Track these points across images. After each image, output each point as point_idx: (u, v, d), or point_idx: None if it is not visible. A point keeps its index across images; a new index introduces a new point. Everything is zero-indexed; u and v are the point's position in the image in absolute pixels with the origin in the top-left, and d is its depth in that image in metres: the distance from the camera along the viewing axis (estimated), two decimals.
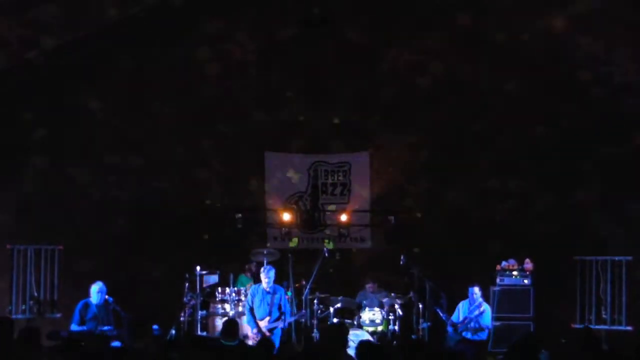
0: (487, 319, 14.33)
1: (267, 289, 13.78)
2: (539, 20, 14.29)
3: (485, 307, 14.37)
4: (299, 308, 14.60)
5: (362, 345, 9.57)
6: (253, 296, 13.84)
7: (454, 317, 14.43)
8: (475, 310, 14.34)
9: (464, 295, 14.57)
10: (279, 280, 14.27)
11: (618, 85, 14.54)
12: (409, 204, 16.25)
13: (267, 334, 13.51)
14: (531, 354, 9.30)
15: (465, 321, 14.29)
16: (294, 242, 15.88)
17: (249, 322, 13.78)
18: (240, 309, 14.34)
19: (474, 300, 14.42)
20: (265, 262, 14.74)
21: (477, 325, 14.22)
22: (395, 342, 14.39)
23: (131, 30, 15.13)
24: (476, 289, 14.43)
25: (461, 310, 14.51)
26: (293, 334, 14.56)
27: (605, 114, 15.13)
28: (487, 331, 14.33)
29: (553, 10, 13.93)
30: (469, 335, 14.22)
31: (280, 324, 13.71)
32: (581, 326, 14.46)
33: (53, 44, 13.95)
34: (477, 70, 15.65)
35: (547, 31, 14.30)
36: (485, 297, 14.83)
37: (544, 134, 15.76)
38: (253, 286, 14.14)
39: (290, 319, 13.94)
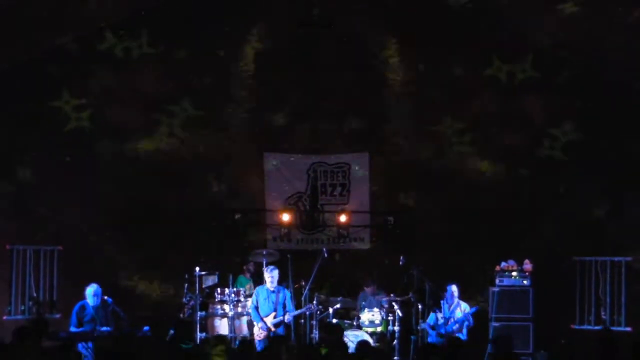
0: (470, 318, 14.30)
1: (272, 289, 13.93)
2: None
3: (465, 306, 14.32)
4: (299, 309, 14.56)
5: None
6: (257, 295, 14.04)
7: (430, 320, 14.34)
8: (455, 309, 14.29)
9: (464, 296, 14.54)
10: (279, 280, 14.21)
11: None
12: (409, 204, 16.22)
13: (273, 328, 13.74)
14: None
15: (449, 322, 14.23)
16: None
17: (254, 318, 13.96)
18: (239, 309, 14.34)
19: (452, 299, 14.37)
20: (264, 262, 14.75)
21: (460, 326, 14.16)
22: (395, 342, 14.39)
23: (131, 29, 15.28)
24: (454, 287, 14.37)
25: (439, 310, 14.42)
26: (292, 333, 14.56)
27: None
28: (466, 330, 14.29)
29: None
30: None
31: (285, 318, 13.87)
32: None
33: None
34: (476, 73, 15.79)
35: None
36: (485, 297, 14.82)
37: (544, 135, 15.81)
38: (258, 287, 14.26)
39: (296, 313, 14.11)
